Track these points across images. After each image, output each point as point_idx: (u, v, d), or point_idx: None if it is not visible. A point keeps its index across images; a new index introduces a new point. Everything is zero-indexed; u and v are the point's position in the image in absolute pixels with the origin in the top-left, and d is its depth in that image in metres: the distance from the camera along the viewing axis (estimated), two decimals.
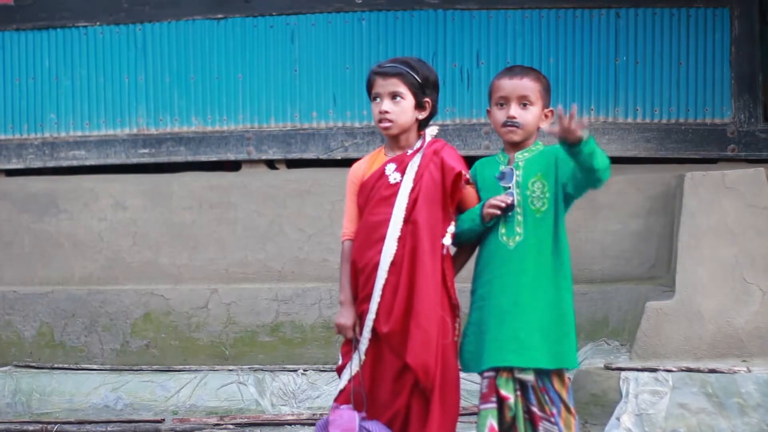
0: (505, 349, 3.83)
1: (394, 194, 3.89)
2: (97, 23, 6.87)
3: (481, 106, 6.51)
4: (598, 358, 5.46)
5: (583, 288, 5.90)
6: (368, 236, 3.91)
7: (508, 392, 3.83)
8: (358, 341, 3.91)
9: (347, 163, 6.09)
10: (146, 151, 6.85)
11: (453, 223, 3.93)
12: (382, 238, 3.87)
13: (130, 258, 6.57)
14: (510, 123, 3.89)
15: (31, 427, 5.64)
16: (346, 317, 3.94)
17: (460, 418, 4.00)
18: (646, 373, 5.04)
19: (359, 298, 3.93)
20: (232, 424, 5.60)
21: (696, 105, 6.47)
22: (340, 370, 3.99)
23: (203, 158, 6.81)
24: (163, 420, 5.66)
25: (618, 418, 4.96)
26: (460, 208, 3.97)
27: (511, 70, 3.97)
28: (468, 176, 3.95)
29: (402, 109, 3.93)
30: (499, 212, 3.86)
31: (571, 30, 6.49)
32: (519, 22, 6.51)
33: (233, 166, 6.87)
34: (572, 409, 3.87)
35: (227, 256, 6.49)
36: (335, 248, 5.67)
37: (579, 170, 3.76)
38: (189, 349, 6.29)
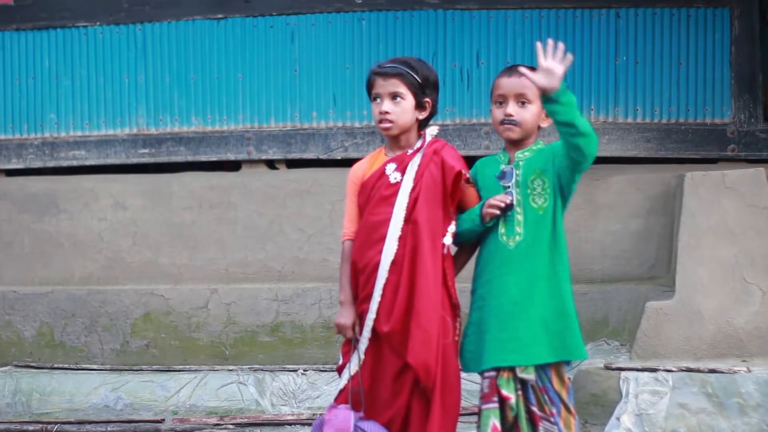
0: (506, 348, 3.84)
1: (395, 194, 3.90)
2: (97, 23, 6.87)
3: (481, 106, 6.51)
4: (598, 358, 5.46)
5: (583, 288, 5.91)
6: (369, 236, 3.92)
7: (509, 392, 3.83)
8: (357, 341, 3.91)
9: (347, 163, 6.10)
10: (146, 151, 6.85)
11: (453, 222, 3.94)
12: (383, 238, 3.87)
13: (130, 258, 6.57)
14: (507, 121, 3.90)
15: (31, 427, 5.64)
16: (346, 317, 3.94)
17: (461, 418, 4.00)
18: (646, 373, 5.05)
19: (359, 297, 3.93)
20: (232, 424, 5.60)
21: (696, 105, 6.47)
22: (340, 370, 3.99)
23: (203, 158, 6.81)
24: (163, 420, 5.67)
25: (618, 418, 4.96)
26: (461, 208, 3.97)
27: (511, 69, 3.98)
28: (468, 176, 3.95)
29: (402, 109, 3.93)
30: (498, 212, 3.86)
31: (571, 30, 6.49)
32: (519, 22, 6.50)
33: (233, 166, 6.87)
34: (572, 409, 3.87)
35: (227, 256, 6.49)
36: (335, 248, 5.67)
37: (563, 139, 3.76)
38: (189, 349, 6.29)
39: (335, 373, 4.77)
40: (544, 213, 3.87)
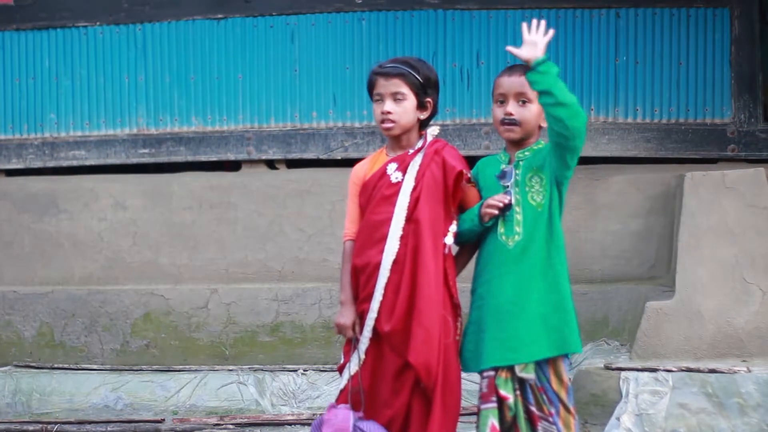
0: (505, 347, 3.84)
1: (396, 193, 3.90)
2: (97, 23, 6.87)
3: (481, 106, 6.51)
4: (598, 358, 5.46)
5: (583, 288, 5.91)
6: (370, 235, 3.92)
7: (507, 392, 3.84)
8: (358, 341, 3.91)
9: (347, 163, 6.12)
10: (146, 151, 6.85)
11: (455, 222, 3.94)
12: (384, 238, 3.87)
13: (130, 258, 6.57)
14: (507, 120, 3.91)
15: (31, 427, 5.64)
16: (346, 317, 3.94)
17: (461, 418, 4.00)
18: (646, 373, 5.05)
19: (360, 297, 3.93)
20: (232, 424, 5.60)
21: (696, 105, 6.47)
22: (341, 370, 3.99)
23: (203, 158, 6.81)
24: (163, 420, 5.67)
25: (618, 418, 4.96)
26: (462, 208, 3.98)
27: (512, 69, 4.00)
28: (469, 175, 3.96)
29: (404, 109, 3.93)
30: (496, 212, 3.86)
31: (571, 30, 6.49)
32: (519, 22, 6.42)
33: (233, 166, 6.87)
34: (571, 409, 3.87)
35: (227, 256, 6.49)
36: (335, 248, 5.68)
37: (546, 114, 3.77)
38: (189, 349, 6.29)
39: (335, 373, 4.78)
40: (541, 209, 3.88)
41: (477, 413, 3.92)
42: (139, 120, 6.86)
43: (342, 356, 4.00)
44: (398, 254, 3.86)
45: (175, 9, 6.80)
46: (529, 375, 3.83)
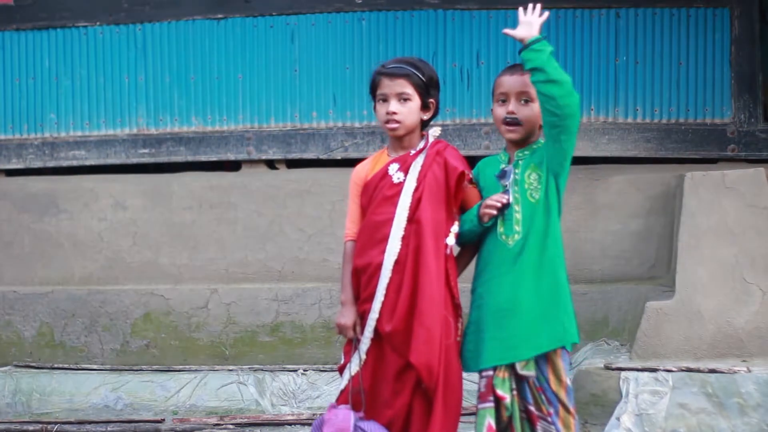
0: (504, 346, 3.85)
1: (398, 194, 3.90)
2: (97, 23, 6.87)
3: (481, 106, 6.51)
4: (598, 358, 5.46)
5: (583, 288, 5.91)
6: (371, 236, 3.92)
7: (504, 392, 3.84)
8: (358, 341, 3.91)
9: (347, 163, 6.13)
10: (146, 151, 6.85)
11: (456, 222, 3.94)
12: (386, 238, 3.87)
13: (130, 258, 6.57)
14: (510, 119, 3.91)
15: (31, 427, 5.64)
16: (347, 317, 3.94)
17: (461, 418, 4.00)
18: (646, 373, 5.05)
19: (361, 297, 3.93)
20: (232, 424, 5.60)
21: (696, 105, 6.47)
22: (342, 370, 3.99)
23: (203, 158, 6.81)
24: (163, 420, 5.67)
25: (618, 418, 4.96)
26: (463, 209, 3.98)
27: (513, 68, 4.01)
28: (471, 176, 3.96)
29: (409, 109, 3.94)
30: (495, 212, 3.87)
31: (571, 30, 6.49)
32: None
33: (233, 166, 6.87)
34: (571, 410, 3.87)
35: (227, 256, 6.49)
36: (335, 248, 5.68)
37: (538, 92, 3.78)
38: (189, 349, 6.29)
39: (335, 373, 4.77)
40: (537, 204, 3.88)
41: (476, 413, 3.93)
42: (139, 120, 6.86)
43: (342, 356, 3.99)
44: (400, 255, 3.86)
45: (175, 9, 6.80)
46: (530, 372, 3.83)
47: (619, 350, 5.59)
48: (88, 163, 6.91)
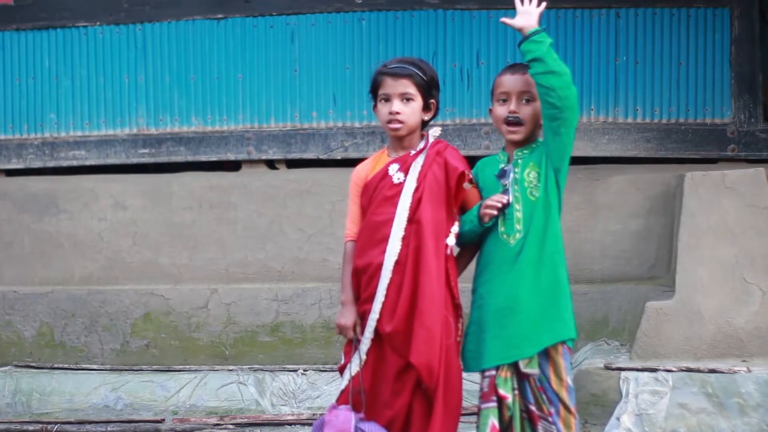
0: (506, 345, 3.85)
1: (398, 194, 3.90)
2: (97, 23, 6.87)
3: (481, 106, 6.51)
4: (598, 358, 5.46)
5: (583, 288, 5.91)
6: (371, 236, 3.92)
7: (506, 392, 3.85)
8: (359, 341, 3.91)
9: (347, 163, 6.13)
10: (146, 151, 6.85)
11: (456, 223, 3.94)
12: (386, 238, 3.87)
13: (130, 258, 6.57)
14: (512, 119, 3.91)
15: (31, 427, 5.64)
16: (347, 317, 3.94)
17: (461, 418, 4.00)
18: (646, 373, 5.05)
19: (362, 298, 3.93)
20: (232, 424, 5.60)
21: (696, 105, 6.47)
22: (342, 370, 3.99)
23: (203, 158, 6.81)
24: (163, 420, 5.67)
25: (618, 418, 4.96)
26: (463, 209, 3.98)
27: (514, 67, 4.01)
28: (471, 176, 3.96)
29: (412, 110, 3.94)
30: (496, 212, 3.87)
31: (571, 30, 6.49)
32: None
33: (233, 166, 6.87)
34: (572, 409, 3.87)
35: (227, 256, 6.49)
36: (335, 248, 5.68)
37: (537, 84, 3.80)
38: (189, 349, 6.29)
39: (335, 373, 4.77)
40: (537, 202, 3.88)
41: (477, 413, 3.93)
42: (139, 120, 6.86)
43: (342, 357, 3.99)
44: (400, 255, 3.86)
45: (175, 9, 6.80)
46: (534, 370, 3.84)
47: (619, 350, 5.58)
48: (88, 163, 6.91)
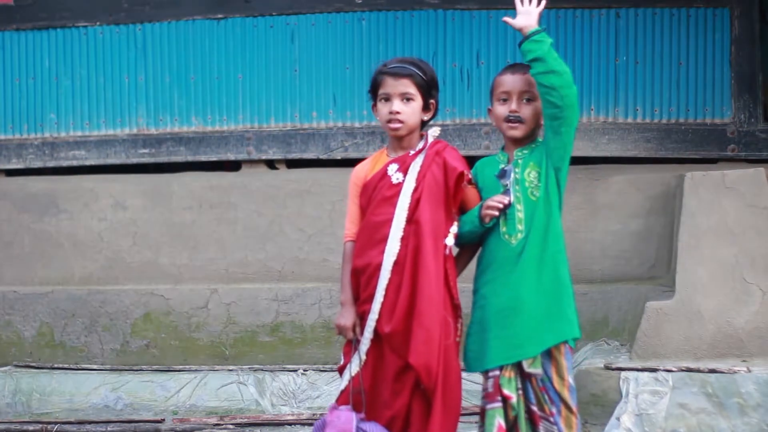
0: (510, 345, 3.86)
1: (397, 194, 3.90)
2: (97, 23, 6.87)
3: (481, 106, 6.51)
4: (598, 358, 5.45)
5: (583, 288, 5.90)
6: (370, 236, 3.92)
7: (510, 391, 3.85)
8: (358, 342, 3.91)
9: (347, 163, 6.12)
10: (146, 151, 6.85)
11: (455, 223, 3.94)
12: (385, 239, 3.87)
13: (130, 258, 6.57)
14: (512, 117, 3.92)
15: (31, 427, 5.64)
16: (346, 318, 3.94)
17: (461, 419, 4.00)
18: (646, 373, 5.04)
19: (361, 298, 3.93)
20: (232, 424, 5.60)
21: (696, 105, 6.46)
22: (341, 370, 3.99)
23: (203, 158, 6.81)
24: (163, 420, 5.67)
25: (618, 418, 4.96)
26: (462, 209, 3.98)
27: (514, 67, 4.02)
28: (470, 176, 3.96)
29: (412, 110, 3.94)
30: (497, 213, 3.87)
31: (571, 30, 6.49)
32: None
33: (233, 166, 6.87)
34: (574, 409, 3.88)
35: (227, 256, 6.49)
36: (335, 248, 5.68)
37: (538, 84, 3.81)
38: (189, 349, 6.29)
39: (335, 373, 4.77)
40: (538, 201, 3.89)
41: (481, 413, 3.93)
42: (139, 120, 6.86)
43: (342, 357, 3.99)
44: (399, 255, 3.86)
45: (175, 9, 6.80)
46: (537, 370, 3.85)
47: (619, 350, 5.58)
48: (88, 163, 6.91)
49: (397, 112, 3.92)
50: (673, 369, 5.05)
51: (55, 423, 5.66)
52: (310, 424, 5.44)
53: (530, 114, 3.93)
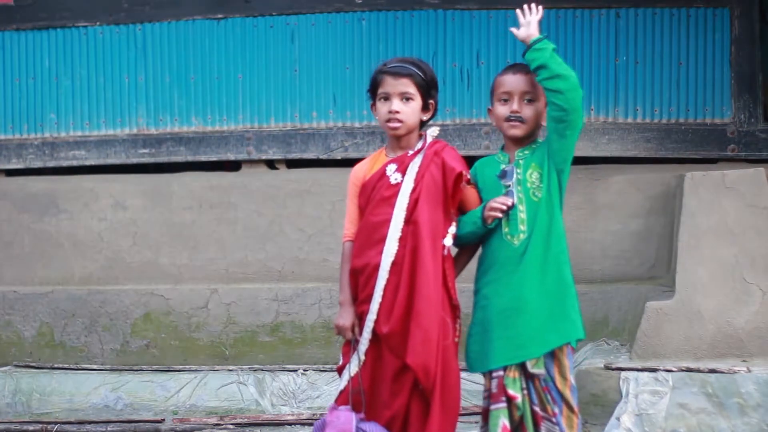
0: (513, 345, 3.86)
1: (395, 194, 3.90)
2: (97, 23, 6.87)
3: (481, 106, 6.51)
4: (598, 358, 5.45)
5: (583, 288, 5.89)
6: (369, 237, 3.92)
7: (515, 391, 3.85)
8: (357, 342, 3.91)
9: (347, 163, 6.12)
10: (146, 151, 6.85)
11: (454, 223, 3.94)
12: (383, 239, 3.87)
13: (130, 258, 6.57)
14: (513, 117, 3.92)
15: (31, 427, 5.64)
16: (345, 318, 3.94)
17: (460, 419, 4.00)
18: (646, 373, 5.04)
19: (359, 298, 3.93)
20: (232, 424, 5.60)
21: (696, 105, 6.46)
22: (340, 370, 3.99)
23: (203, 158, 6.81)
24: (163, 420, 5.67)
25: (618, 418, 4.96)
26: (461, 209, 3.97)
27: (515, 67, 4.03)
28: (469, 176, 3.96)
29: (412, 109, 3.94)
30: (500, 214, 3.88)
31: (571, 30, 6.49)
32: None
33: (233, 166, 6.87)
34: (575, 409, 3.88)
35: (227, 256, 6.49)
36: (335, 248, 5.67)
37: (545, 89, 3.85)
38: (189, 349, 6.29)
39: (335, 373, 4.77)
40: (540, 202, 3.89)
41: (485, 414, 3.93)
42: (139, 120, 6.86)
43: (341, 357, 3.99)
44: (397, 256, 3.86)
45: (175, 9, 6.80)
46: (540, 370, 3.85)
47: (619, 350, 5.58)
48: (88, 163, 6.91)
49: (397, 112, 3.92)
50: (673, 369, 5.05)
51: (55, 423, 5.66)
52: (310, 424, 5.44)
53: (531, 114, 3.94)
